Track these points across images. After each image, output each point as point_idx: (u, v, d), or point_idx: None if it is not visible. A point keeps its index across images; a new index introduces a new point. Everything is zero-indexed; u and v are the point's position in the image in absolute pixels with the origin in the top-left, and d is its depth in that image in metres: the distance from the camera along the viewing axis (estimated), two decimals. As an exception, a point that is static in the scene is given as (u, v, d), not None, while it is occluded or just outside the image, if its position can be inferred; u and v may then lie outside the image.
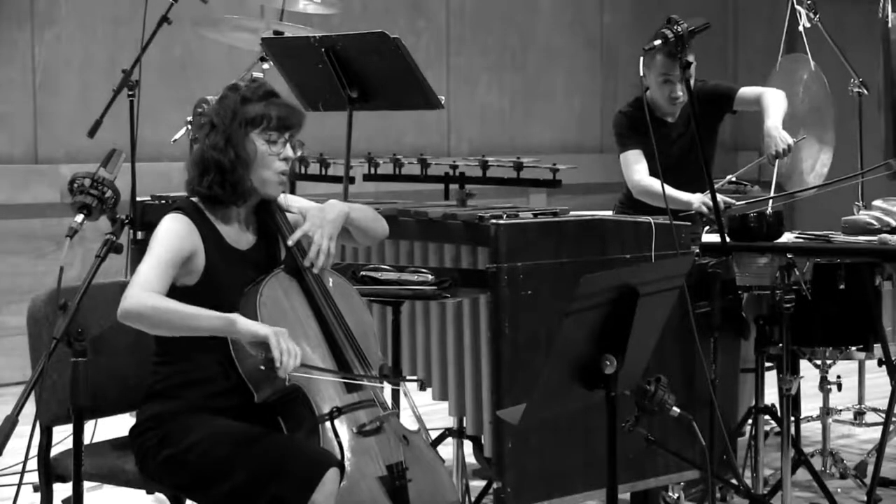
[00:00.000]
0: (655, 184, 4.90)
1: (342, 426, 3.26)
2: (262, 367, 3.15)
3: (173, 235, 3.30)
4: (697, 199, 4.75)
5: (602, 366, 2.92)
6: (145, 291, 3.20)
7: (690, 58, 4.75)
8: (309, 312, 3.38)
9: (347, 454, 3.23)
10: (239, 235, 3.45)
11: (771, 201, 4.79)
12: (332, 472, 3.14)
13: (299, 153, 3.46)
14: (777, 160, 4.88)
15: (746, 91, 5.15)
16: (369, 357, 3.41)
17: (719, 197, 4.60)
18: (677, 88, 4.98)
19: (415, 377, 4.15)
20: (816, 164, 5.36)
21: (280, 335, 3.17)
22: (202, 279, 3.33)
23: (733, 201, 4.74)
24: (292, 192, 5.13)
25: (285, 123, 3.38)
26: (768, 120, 4.94)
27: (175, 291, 3.28)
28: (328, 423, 3.25)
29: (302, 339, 3.32)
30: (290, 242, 3.43)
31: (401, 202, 4.45)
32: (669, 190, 4.69)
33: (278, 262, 3.48)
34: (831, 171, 5.35)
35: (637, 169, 5.04)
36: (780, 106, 5.00)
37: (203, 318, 3.21)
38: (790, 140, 4.88)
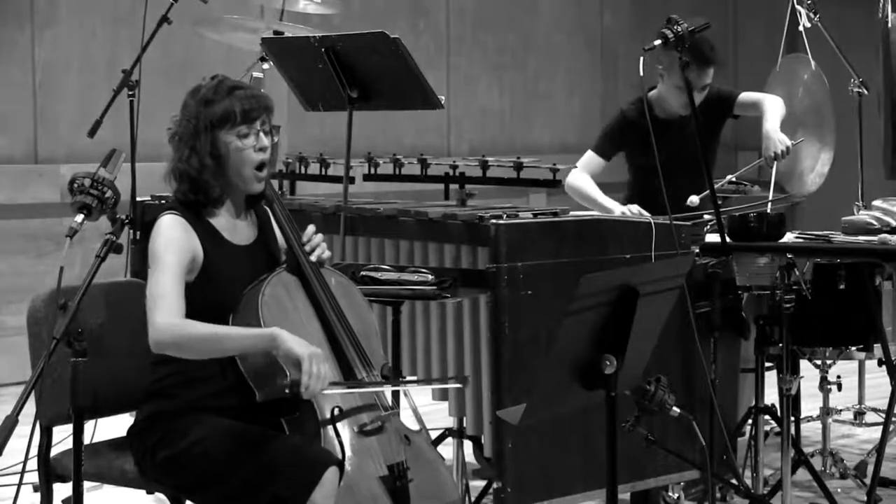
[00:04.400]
0: (587, 186, 5.09)
1: (343, 426, 3.26)
2: (287, 390, 3.15)
3: (175, 245, 3.28)
4: (619, 209, 4.81)
5: (602, 366, 2.92)
6: (173, 318, 3.20)
7: (710, 75, 4.99)
8: (311, 312, 3.38)
9: (348, 453, 3.23)
10: (236, 230, 3.44)
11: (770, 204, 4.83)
12: (332, 472, 3.14)
13: (276, 139, 3.45)
14: (775, 162, 4.92)
15: (746, 96, 5.20)
16: (371, 357, 3.41)
17: (637, 209, 4.69)
18: (697, 97, 5.01)
19: (458, 377, 4.02)
20: (817, 164, 5.36)
21: (314, 359, 3.15)
22: (200, 276, 3.33)
23: (648, 215, 4.73)
24: (292, 192, 5.16)
25: (251, 115, 3.36)
26: (767, 123, 4.99)
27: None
28: (329, 423, 3.25)
29: (304, 338, 3.31)
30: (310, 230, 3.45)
31: (401, 202, 4.44)
32: (595, 194, 5.03)
33: (278, 257, 3.48)
34: (831, 171, 5.35)
35: (585, 169, 5.17)
36: (779, 110, 5.06)
37: (242, 339, 3.21)
38: (788, 142, 4.92)
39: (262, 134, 3.38)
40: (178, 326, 3.21)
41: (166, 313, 3.21)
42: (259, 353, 3.22)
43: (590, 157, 5.23)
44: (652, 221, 4.13)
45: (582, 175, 5.14)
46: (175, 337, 3.21)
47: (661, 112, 5.13)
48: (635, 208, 4.81)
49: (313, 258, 3.42)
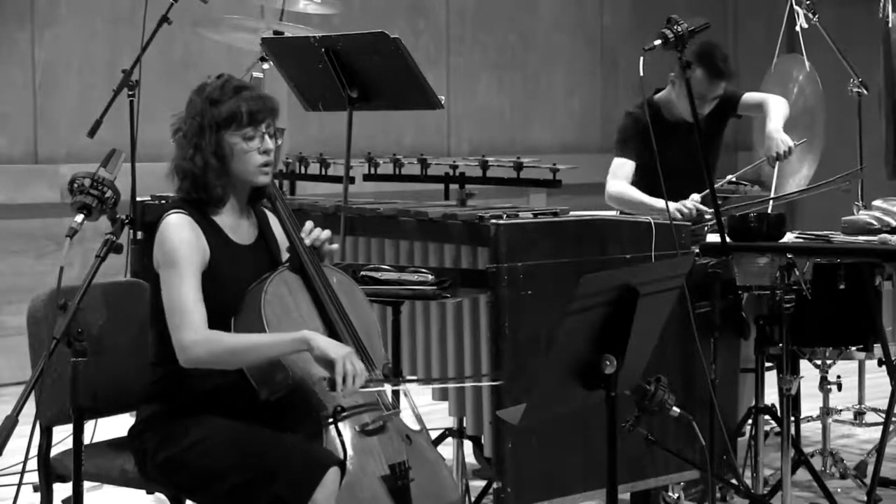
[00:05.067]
0: (629, 190, 5.03)
1: (345, 425, 3.26)
2: (327, 388, 3.18)
3: (188, 247, 3.28)
4: (673, 206, 4.78)
5: (602, 366, 2.92)
6: (200, 333, 3.21)
7: (721, 87, 4.97)
8: (313, 310, 3.38)
9: (350, 453, 3.23)
10: (239, 229, 3.45)
11: (771, 202, 4.83)
12: (333, 472, 3.14)
13: (280, 141, 3.45)
14: (777, 162, 4.93)
15: (750, 96, 5.21)
16: (373, 355, 3.41)
17: (696, 205, 4.68)
18: (706, 107, 5.01)
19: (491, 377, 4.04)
20: (803, 167, 5.37)
21: (349, 359, 3.18)
22: (206, 275, 3.32)
23: (706, 209, 4.74)
24: (292, 192, 5.16)
25: (257, 118, 3.35)
26: (770, 123, 5.00)
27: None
28: (331, 422, 3.25)
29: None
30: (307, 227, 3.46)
31: (401, 202, 4.44)
32: (642, 197, 4.94)
33: (279, 256, 3.48)
34: (830, 172, 5.34)
35: (618, 176, 5.09)
36: (782, 111, 5.08)
37: (276, 345, 3.22)
38: (791, 143, 4.94)
39: (266, 136, 3.38)
40: (210, 342, 3.22)
41: (193, 330, 3.21)
42: (293, 354, 3.23)
43: (620, 163, 5.13)
44: (652, 221, 4.12)
45: (620, 182, 5.06)
46: (209, 354, 3.22)
47: (669, 115, 5.13)
48: (690, 203, 4.77)
49: (308, 242, 3.42)
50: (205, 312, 3.24)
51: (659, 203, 4.86)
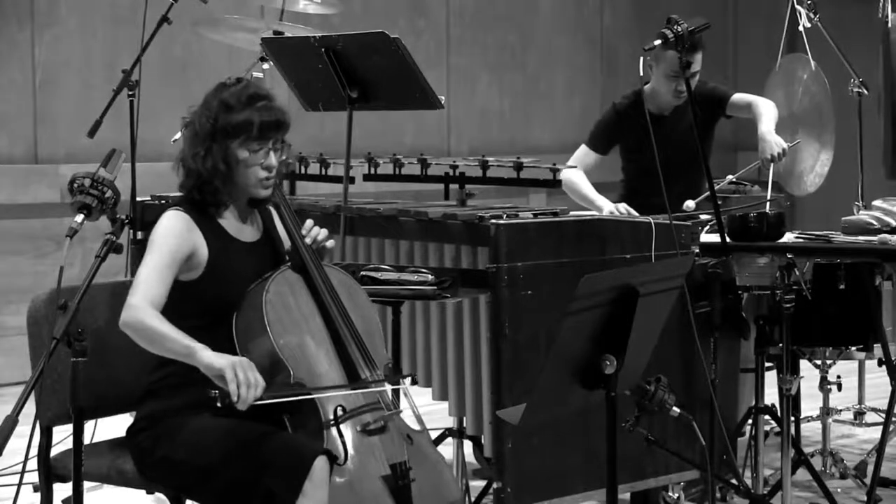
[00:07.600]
0: (579, 182, 5.11)
1: (346, 425, 3.26)
2: (219, 404, 3.09)
3: (171, 236, 3.31)
4: (608, 207, 4.82)
5: (602, 366, 2.93)
6: (148, 305, 3.22)
7: (698, 61, 4.94)
8: (315, 310, 3.38)
9: (351, 452, 3.23)
10: (242, 227, 3.46)
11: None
12: (321, 461, 3.13)
13: (284, 157, 3.44)
14: (772, 164, 4.94)
15: (739, 97, 5.21)
16: (374, 356, 3.41)
17: (629, 209, 4.71)
18: (683, 84, 5.00)
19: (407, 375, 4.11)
20: (816, 165, 5.36)
21: (238, 367, 3.11)
22: (206, 273, 3.34)
23: (637, 214, 4.77)
24: (292, 192, 5.16)
25: (267, 134, 3.36)
26: (762, 125, 5.00)
27: (178, 288, 3.30)
28: (332, 422, 3.25)
29: (307, 336, 3.33)
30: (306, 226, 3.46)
31: (401, 202, 4.44)
32: (587, 191, 5.05)
33: (283, 254, 3.49)
34: (831, 171, 5.35)
35: (575, 162, 5.15)
36: (772, 112, 5.08)
37: (177, 345, 3.20)
38: (784, 144, 4.95)
39: (271, 153, 3.38)
40: (146, 314, 3.21)
41: (142, 297, 3.23)
42: (182, 360, 3.21)
43: (584, 152, 5.23)
44: (652, 221, 4.13)
45: (575, 171, 5.14)
46: (137, 323, 3.22)
47: (654, 107, 5.13)
48: (623, 207, 4.83)
49: (308, 240, 3.43)
50: (162, 294, 3.25)
51: (601, 202, 4.97)
